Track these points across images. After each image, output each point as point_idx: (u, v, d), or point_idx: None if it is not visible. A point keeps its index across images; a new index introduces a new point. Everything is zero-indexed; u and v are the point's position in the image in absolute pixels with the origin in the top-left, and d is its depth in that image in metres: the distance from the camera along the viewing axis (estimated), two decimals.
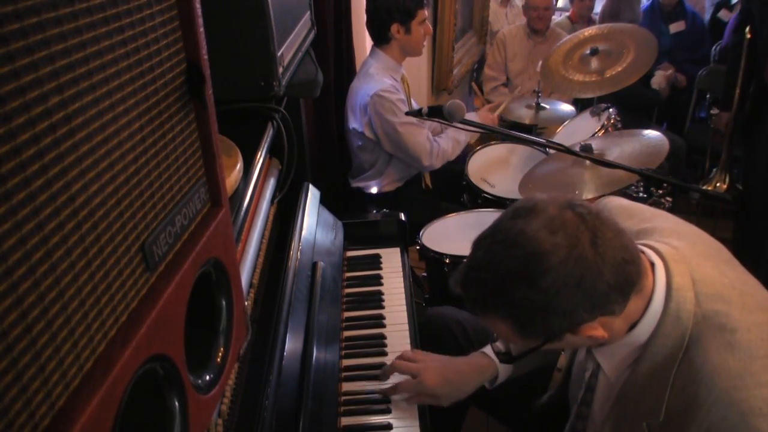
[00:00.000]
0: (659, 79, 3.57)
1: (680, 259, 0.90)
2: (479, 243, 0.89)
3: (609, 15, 3.57)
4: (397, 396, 1.22)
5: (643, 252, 0.91)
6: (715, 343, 0.82)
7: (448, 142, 2.45)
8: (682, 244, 0.93)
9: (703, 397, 0.80)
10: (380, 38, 2.40)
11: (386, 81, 2.32)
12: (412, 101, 2.56)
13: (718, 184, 2.31)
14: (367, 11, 2.40)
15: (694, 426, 0.80)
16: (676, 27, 3.86)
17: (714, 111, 2.53)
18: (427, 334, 1.46)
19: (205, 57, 0.62)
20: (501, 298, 0.84)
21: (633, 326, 0.89)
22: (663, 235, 0.97)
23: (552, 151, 2.18)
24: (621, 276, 0.82)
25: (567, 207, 0.84)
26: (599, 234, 0.82)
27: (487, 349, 1.24)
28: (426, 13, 2.37)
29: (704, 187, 2.33)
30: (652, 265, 0.90)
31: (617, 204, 1.11)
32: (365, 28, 2.46)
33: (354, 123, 2.40)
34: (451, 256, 1.86)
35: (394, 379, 1.26)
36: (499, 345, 1.14)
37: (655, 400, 0.86)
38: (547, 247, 0.80)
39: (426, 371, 1.19)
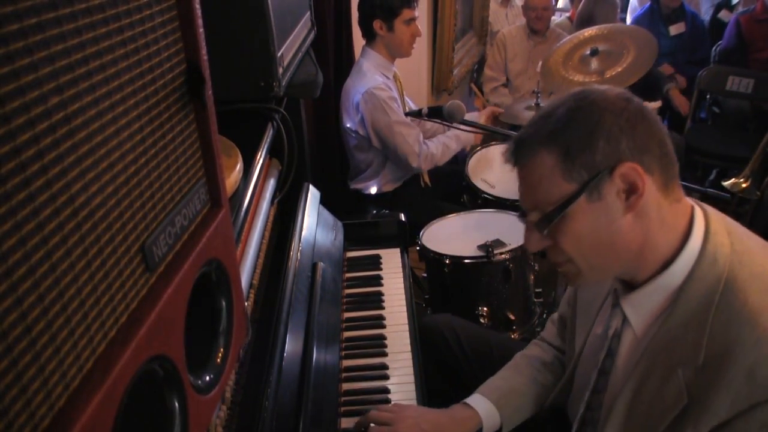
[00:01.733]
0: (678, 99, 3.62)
1: (716, 212, 0.93)
2: None
3: (583, 21, 3.57)
4: None
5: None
6: (753, 287, 0.84)
7: (438, 146, 2.44)
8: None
9: (746, 337, 0.81)
10: (366, 34, 2.40)
11: (378, 78, 2.32)
12: (407, 100, 2.56)
13: (741, 180, 2.30)
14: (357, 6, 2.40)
15: (736, 366, 0.80)
16: (676, 29, 3.86)
17: None
18: (421, 342, 1.44)
19: (205, 57, 0.62)
20: (551, 122, 0.88)
21: (668, 265, 0.89)
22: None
23: None
24: (662, 136, 0.88)
25: None
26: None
27: (471, 400, 1.19)
28: (414, 13, 2.35)
29: (726, 183, 2.32)
30: (692, 208, 0.92)
31: None
32: None
33: (348, 122, 2.40)
34: (451, 257, 1.86)
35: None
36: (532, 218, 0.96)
37: (693, 346, 0.85)
38: (597, 89, 0.90)
39: (400, 421, 1.11)
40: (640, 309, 0.94)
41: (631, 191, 0.85)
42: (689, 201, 0.94)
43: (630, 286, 0.95)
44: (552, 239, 0.91)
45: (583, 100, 0.87)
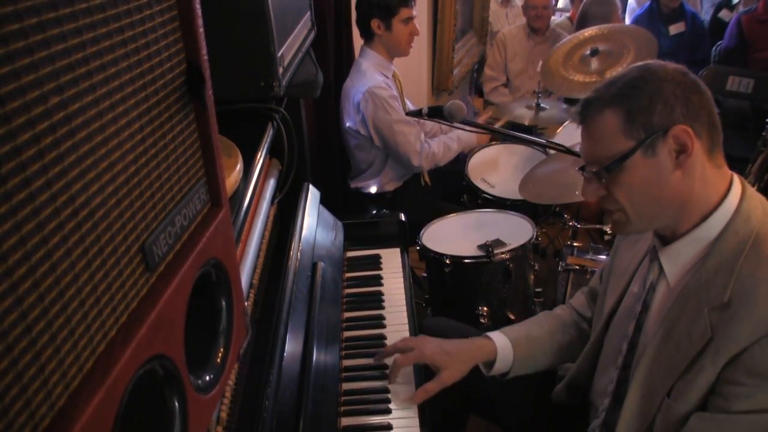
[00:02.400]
0: None
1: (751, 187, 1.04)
2: None
3: (584, 21, 3.56)
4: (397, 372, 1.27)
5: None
6: None
7: (439, 146, 2.44)
8: None
9: None
10: (364, 34, 2.40)
11: (378, 78, 2.32)
12: (406, 99, 2.56)
13: None
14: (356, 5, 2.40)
15: (760, 298, 0.89)
16: (676, 28, 3.85)
17: None
18: None
19: (205, 57, 0.62)
20: (616, 87, 0.99)
21: (705, 219, 0.99)
22: None
23: (552, 152, 2.18)
24: (711, 108, 0.98)
25: None
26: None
27: (490, 333, 1.30)
28: (412, 12, 2.35)
29: None
30: (732, 175, 1.02)
31: None
32: None
33: (349, 122, 2.41)
34: (451, 257, 1.86)
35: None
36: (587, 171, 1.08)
37: (720, 287, 0.94)
38: (659, 63, 1.01)
39: (423, 344, 1.26)
40: (677, 259, 1.03)
41: (681, 151, 0.96)
42: (729, 170, 1.03)
43: (667, 242, 1.04)
44: (607, 189, 1.02)
45: (646, 71, 0.99)
